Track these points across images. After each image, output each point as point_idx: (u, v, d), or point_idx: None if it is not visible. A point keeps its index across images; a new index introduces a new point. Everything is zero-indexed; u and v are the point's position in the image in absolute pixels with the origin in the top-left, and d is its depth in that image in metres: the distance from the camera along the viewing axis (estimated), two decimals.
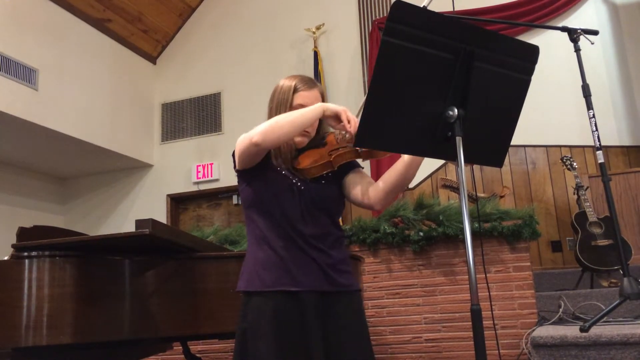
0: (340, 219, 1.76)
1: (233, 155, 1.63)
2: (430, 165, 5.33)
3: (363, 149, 1.55)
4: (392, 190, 1.57)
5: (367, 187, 1.63)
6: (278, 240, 1.55)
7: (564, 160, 4.23)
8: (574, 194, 4.08)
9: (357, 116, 1.55)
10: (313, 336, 1.48)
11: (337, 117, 1.53)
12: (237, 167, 1.63)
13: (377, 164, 4.99)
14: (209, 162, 6.23)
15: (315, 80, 1.75)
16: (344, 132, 1.55)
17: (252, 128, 1.58)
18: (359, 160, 1.67)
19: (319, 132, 1.69)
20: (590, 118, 2.66)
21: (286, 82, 1.68)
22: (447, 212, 3.37)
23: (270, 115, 1.66)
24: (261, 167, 1.60)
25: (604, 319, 2.50)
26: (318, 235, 1.56)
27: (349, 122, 1.50)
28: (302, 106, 1.62)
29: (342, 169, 1.65)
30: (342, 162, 1.59)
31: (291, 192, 1.58)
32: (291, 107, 1.62)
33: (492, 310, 2.69)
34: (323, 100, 1.68)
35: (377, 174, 4.81)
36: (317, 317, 1.50)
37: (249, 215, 1.63)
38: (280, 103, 1.65)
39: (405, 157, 1.53)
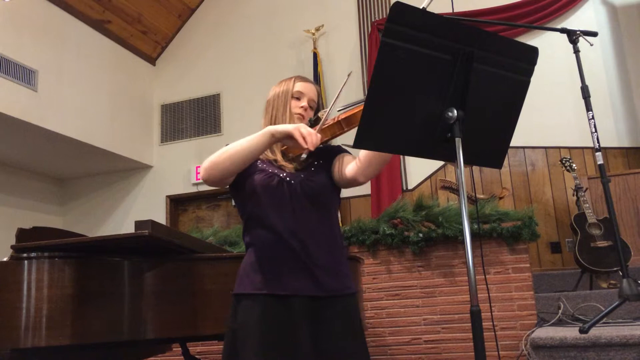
0: (339, 220, 1.73)
1: None
2: (429, 166, 5.34)
3: (342, 118, 1.52)
4: (373, 159, 1.50)
5: (349, 162, 1.59)
6: (268, 243, 1.52)
7: (563, 161, 4.23)
8: (573, 195, 4.08)
9: (330, 107, 1.53)
10: (301, 340, 1.43)
11: (290, 137, 1.47)
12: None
13: None
14: None
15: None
16: (302, 154, 1.48)
17: (251, 129, 1.58)
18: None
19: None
20: (589, 119, 2.67)
21: (282, 82, 1.71)
22: (447, 214, 3.37)
23: (266, 117, 1.68)
24: (243, 175, 1.58)
25: (604, 320, 2.50)
26: (311, 235, 1.51)
27: (304, 138, 1.44)
28: (301, 94, 1.65)
29: (329, 157, 1.64)
30: (327, 138, 1.55)
31: (281, 188, 1.55)
32: (292, 96, 1.65)
33: (491, 312, 2.70)
34: (320, 98, 1.70)
35: None
36: (306, 321, 1.46)
37: (242, 217, 1.63)
38: (281, 93, 1.67)
39: None
